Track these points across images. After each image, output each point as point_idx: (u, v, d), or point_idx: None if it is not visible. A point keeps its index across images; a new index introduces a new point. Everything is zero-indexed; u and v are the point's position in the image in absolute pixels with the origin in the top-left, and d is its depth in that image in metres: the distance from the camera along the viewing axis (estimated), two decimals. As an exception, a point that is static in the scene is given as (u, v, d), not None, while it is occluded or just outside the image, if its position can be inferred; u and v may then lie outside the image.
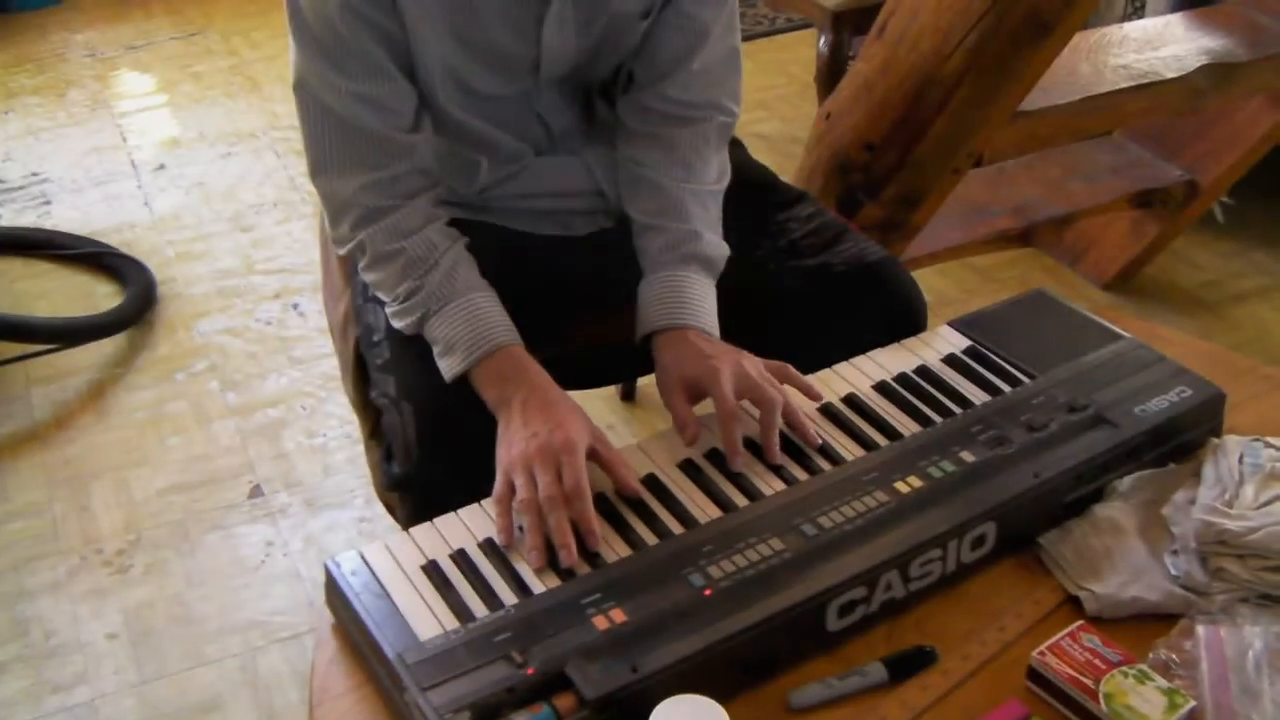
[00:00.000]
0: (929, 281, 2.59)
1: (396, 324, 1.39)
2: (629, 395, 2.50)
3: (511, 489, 1.18)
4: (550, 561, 1.11)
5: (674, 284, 1.40)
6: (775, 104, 3.62)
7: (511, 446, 1.22)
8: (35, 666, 1.95)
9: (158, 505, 2.27)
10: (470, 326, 1.33)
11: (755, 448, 1.25)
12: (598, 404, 2.47)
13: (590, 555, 1.12)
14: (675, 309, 1.38)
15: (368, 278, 1.42)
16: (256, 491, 2.30)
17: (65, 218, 3.16)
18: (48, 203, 3.23)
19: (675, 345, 1.36)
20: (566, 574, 1.10)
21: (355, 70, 1.34)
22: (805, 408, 1.29)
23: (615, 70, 1.49)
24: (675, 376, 1.33)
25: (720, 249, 1.46)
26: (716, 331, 1.39)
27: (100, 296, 2.85)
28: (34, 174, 3.37)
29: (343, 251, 1.44)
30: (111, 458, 2.38)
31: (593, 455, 1.22)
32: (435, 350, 1.35)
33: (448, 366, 1.33)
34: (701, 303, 1.40)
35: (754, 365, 1.30)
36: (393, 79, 1.36)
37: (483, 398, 1.31)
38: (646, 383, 2.49)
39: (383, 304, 1.43)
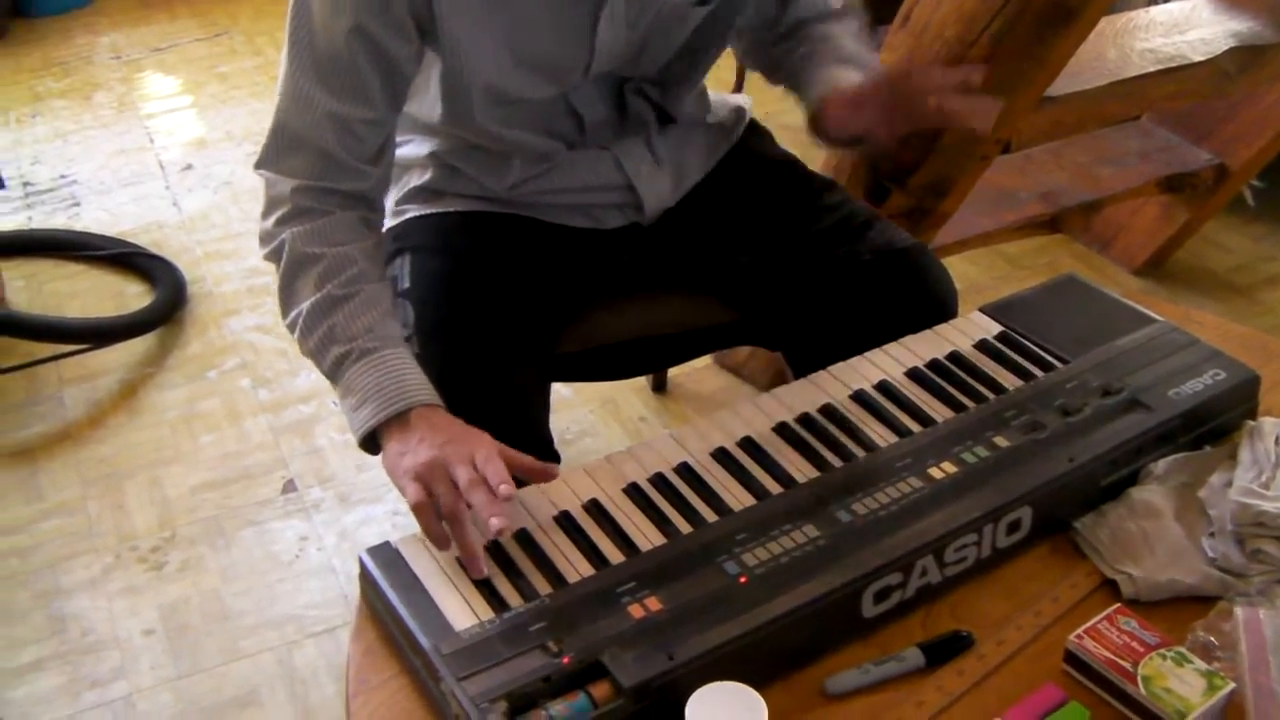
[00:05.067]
0: (958, 269, 2.57)
1: (299, 342, 1.31)
2: (660, 386, 2.50)
3: (423, 494, 1.13)
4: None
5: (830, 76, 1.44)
6: (799, 94, 3.60)
7: (403, 458, 1.17)
8: (72, 663, 1.97)
9: (192, 502, 2.28)
10: (394, 380, 1.23)
11: (783, 446, 1.24)
12: (629, 395, 2.47)
13: (626, 543, 1.12)
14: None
15: (280, 284, 1.33)
16: (290, 487, 2.31)
17: (94, 219, 3.18)
18: (77, 204, 3.25)
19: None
20: (601, 563, 1.10)
21: (338, 88, 1.30)
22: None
23: (659, 68, 1.49)
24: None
25: (868, 57, 1.51)
26: None
27: (130, 296, 2.87)
28: (63, 176, 3.39)
29: (264, 251, 1.36)
30: (145, 456, 2.40)
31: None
32: (348, 401, 1.25)
33: (359, 420, 1.23)
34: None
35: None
36: (374, 108, 1.32)
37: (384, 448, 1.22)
38: (677, 374, 2.49)
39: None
